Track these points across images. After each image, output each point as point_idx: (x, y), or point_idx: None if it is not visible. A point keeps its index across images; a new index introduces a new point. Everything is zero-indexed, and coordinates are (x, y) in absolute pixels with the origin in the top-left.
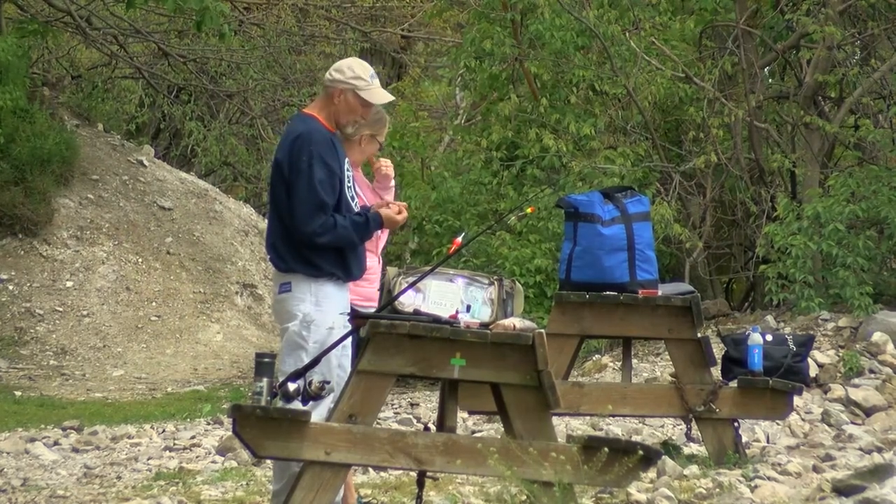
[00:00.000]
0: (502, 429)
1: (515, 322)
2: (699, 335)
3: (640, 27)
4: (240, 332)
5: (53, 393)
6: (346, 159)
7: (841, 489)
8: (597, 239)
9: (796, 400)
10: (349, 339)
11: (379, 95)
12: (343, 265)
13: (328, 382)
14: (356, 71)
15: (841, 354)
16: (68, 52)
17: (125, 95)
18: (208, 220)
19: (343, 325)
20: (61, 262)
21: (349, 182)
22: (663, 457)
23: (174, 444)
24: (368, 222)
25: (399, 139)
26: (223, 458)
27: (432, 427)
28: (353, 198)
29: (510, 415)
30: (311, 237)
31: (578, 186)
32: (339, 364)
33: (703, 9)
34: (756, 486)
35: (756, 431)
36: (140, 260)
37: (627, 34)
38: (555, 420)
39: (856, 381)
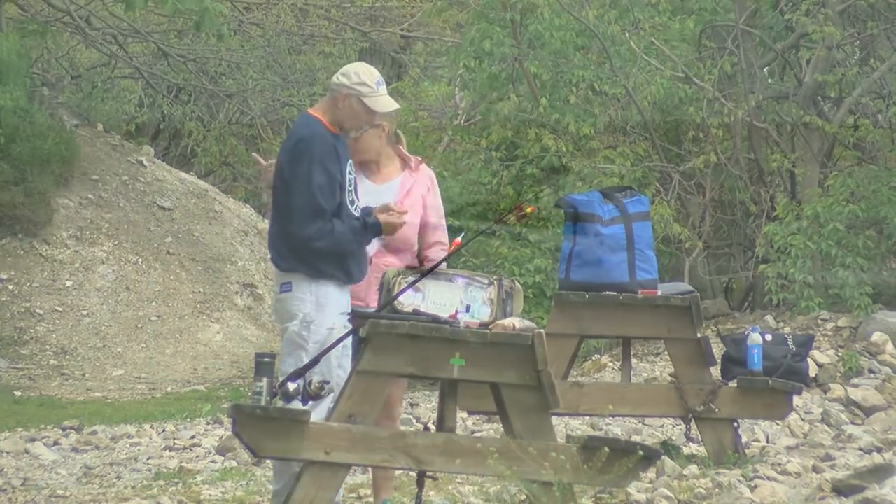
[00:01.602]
0: (502, 429)
1: (515, 322)
2: (699, 335)
3: (640, 27)
4: (240, 332)
5: (53, 393)
6: (350, 162)
7: (841, 489)
8: (596, 239)
9: (796, 400)
10: (349, 339)
11: (383, 103)
12: (343, 267)
13: (328, 382)
14: (362, 77)
15: (840, 354)
16: (68, 52)
17: (125, 95)
18: (208, 220)
19: (343, 326)
20: (61, 262)
21: (350, 186)
22: (663, 457)
23: (174, 444)
24: (367, 228)
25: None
26: (223, 458)
27: (432, 427)
28: (352, 202)
29: (510, 415)
30: (308, 242)
31: (578, 186)
32: (339, 364)
33: (703, 9)
34: (755, 486)
35: (756, 431)
36: (140, 260)
37: (627, 34)
38: (554, 420)
39: (855, 380)
